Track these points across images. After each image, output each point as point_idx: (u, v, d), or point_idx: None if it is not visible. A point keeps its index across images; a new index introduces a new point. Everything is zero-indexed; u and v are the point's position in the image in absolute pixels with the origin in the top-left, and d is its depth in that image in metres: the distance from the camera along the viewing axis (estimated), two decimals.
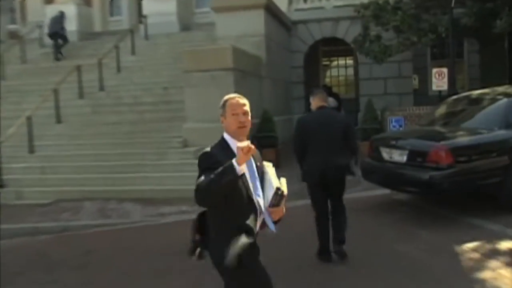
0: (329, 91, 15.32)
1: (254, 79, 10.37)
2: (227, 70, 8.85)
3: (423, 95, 14.25)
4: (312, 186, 4.69)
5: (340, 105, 15.16)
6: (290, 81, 14.48)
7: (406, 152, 5.94)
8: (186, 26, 15.46)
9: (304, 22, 14.50)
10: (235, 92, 9.48)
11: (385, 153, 6.32)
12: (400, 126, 10.10)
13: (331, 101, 14.79)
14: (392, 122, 10.26)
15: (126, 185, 8.23)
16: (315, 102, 4.79)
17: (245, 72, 9.71)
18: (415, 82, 14.21)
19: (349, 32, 13.93)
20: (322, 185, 4.58)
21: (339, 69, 18.30)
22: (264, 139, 9.14)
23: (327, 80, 18.43)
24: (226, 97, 2.74)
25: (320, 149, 4.56)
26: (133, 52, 13.45)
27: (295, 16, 14.44)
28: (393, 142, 6.25)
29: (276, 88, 12.43)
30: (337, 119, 4.75)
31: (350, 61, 18.01)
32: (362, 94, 13.96)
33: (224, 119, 2.68)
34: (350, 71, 17.89)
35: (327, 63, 18.47)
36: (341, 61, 18.27)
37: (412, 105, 12.97)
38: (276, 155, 8.83)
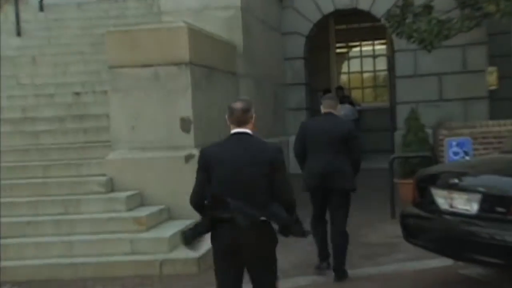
0: (342, 96, 15.24)
1: (224, 80, 10.58)
2: (181, 64, 9.08)
3: (506, 101, 14.38)
4: (311, 192, 7.17)
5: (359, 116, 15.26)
6: (284, 83, 14.66)
7: (478, 197, 5.95)
8: None
9: None
10: (192, 100, 9.28)
11: (442, 199, 6.38)
12: (466, 153, 10.24)
13: (349, 111, 14.99)
14: (452, 147, 10.38)
15: (6, 258, 7.98)
16: (322, 109, 7.21)
17: (210, 69, 9.91)
18: (492, 79, 14.19)
19: (378, 1, 14.18)
20: (321, 191, 7.02)
21: (362, 61, 18.64)
22: None
23: (344, 78, 18.63)
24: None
25: (318, 154, 6.93)
26: (18, 33, 13.47)
27: None
28: (455, 181, 6.29)
29: (261, 94, 12.60)
30: (339, 126, 7.05)
31: (380, 48, 18.38)
32: (401, 101, 14.17)
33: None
34: (381, 63, 18.26)
35: (344, 50, 18.79)
36: (366, 48, 18.63)
37: (487, 118, 13.18)
38: None
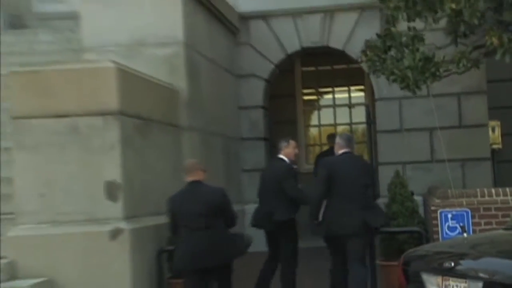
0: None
1: (163, 134, 10.66)
2: (107, 115, 9.06)
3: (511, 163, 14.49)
4: (333, 241, 9.26)
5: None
6: (238, 137, 14.72)
7: (480, 285, 5.99)
8: (16, 19, 15.41)
9: (265, 16, 14.90)
10: (122, 160, 8.77)
11: (435, 287, 6.44)
12: (464, 229, 9.46)
13: None
14: (447, 220, 10.41)
15: None
16: (337, 147, 9.20)
17: (145, 120, 9.98)
18: (495, 136, 14.33)
19: (356, 35, 14.33)
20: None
21: (336, 112, 18.69)
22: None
23: (313, 132, 18.72)
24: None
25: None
26: None
27: (246, 6, 14.87)
28: (451, 264, 6.35)
29: (210, 151, 12.69)
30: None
31: (358, 96, 18.48)
32: (384, 161, 14.26)
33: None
34: (359, 114, 17.87)
35: (313, 98, 18.92)
36: (341, 95, 18.74)
37: (491, 184, 13.12)
38: None
